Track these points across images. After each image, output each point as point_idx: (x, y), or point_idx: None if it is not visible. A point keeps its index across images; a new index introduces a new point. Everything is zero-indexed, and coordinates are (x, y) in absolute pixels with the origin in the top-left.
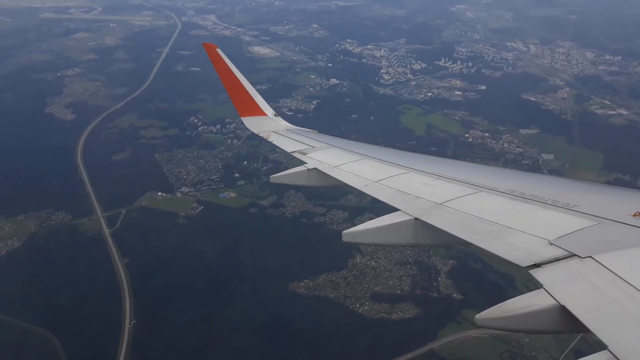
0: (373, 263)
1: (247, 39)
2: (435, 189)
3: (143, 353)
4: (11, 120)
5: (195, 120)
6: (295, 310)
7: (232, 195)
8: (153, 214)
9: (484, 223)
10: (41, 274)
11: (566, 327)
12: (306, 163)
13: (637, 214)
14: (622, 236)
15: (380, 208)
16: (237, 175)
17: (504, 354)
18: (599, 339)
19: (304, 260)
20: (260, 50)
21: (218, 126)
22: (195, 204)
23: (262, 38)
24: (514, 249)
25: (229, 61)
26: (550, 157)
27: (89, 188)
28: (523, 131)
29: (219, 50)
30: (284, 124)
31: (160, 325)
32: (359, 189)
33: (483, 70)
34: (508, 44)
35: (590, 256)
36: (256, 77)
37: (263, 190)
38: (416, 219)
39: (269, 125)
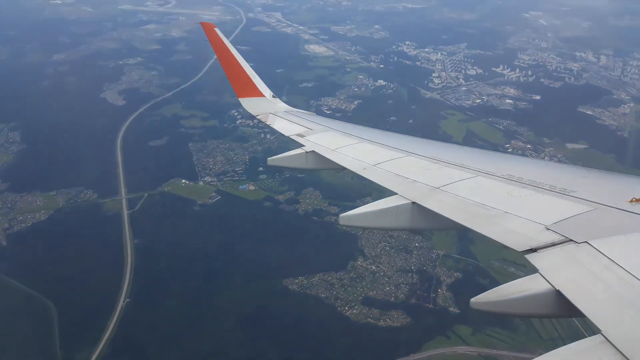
0: (374, 267)
1: (306, 37)
2: (433, 173)
3: (128, 330)
4: (67, 102)
5: (236, 114)
6: (281, 306)
7: (252, 187)
8: (172, 200)
9: (481, 207)
10: (55, 246)
11: (561, 311)
12: (304, 146)
13: (634, 200)
14: (618, 222)
15: None
16: (260, 168)
17: None
18: (593, 326)
19: (304, 258)
20: (315, 48)
21: (255, 120)
22: (214, 193)
23: (321, 37)
24: (510, 233)
25: (227, 41)
26: None
27: (120, 170)
28: (570, 145)
29: (217, 30)
30: (282, 105)
31: (151, 305)
32: (357, 172)
33: (542, 79)
34: (577, 54)
35: (586, 241)
36: (305, 74)
37: (282, 186)
38: (413, 202)
39: (267, 107)
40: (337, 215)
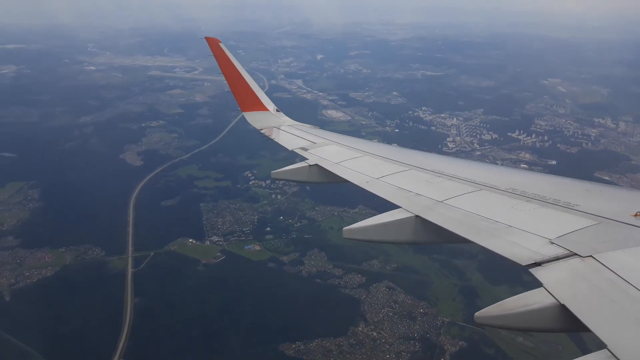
0: (375, 334)
1: (325, 102)
2: (436, 187)
3: None
4: (87, 162)
5: (249, 175)
6: None
7: (257, 248)
8: (177, 259)
9: (484, 221)
10: (57, 303)
11: (565, 325)
12: (307, 159)
13: (639, 214)
14: (623, 236)
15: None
16: (268, 229)
17: None
18: (598, 340)
19: (303, 322)
20: (333, 113)
21: (268, 181)
22: (219, 253)
23: (339, 102)
24: (514, 247)
25: (232, 56)
26: None
27: (130, 229)
28: None
29: (222, 45)
30: (285, 119)
31: None
32: (360, 185)
33: (559, 145)
34: (595, 119)
35: (591, 255)
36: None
37: (288, 246)
38: (417, 216)
39: (271, 121)
40: (341, 277)
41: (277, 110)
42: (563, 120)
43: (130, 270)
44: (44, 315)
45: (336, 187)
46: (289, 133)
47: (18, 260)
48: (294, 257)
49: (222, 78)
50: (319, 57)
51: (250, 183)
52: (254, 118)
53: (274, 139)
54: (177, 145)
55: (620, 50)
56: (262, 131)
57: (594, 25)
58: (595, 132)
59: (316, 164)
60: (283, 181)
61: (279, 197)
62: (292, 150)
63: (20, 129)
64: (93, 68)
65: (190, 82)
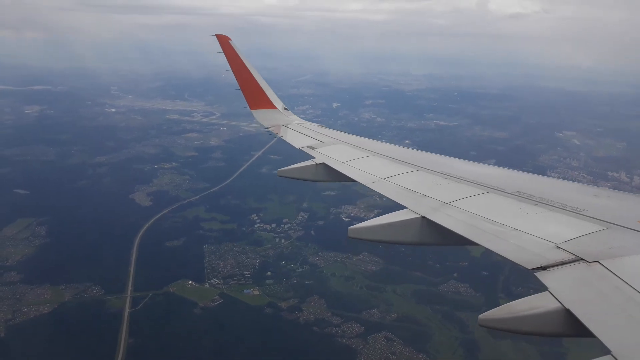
0: None
1: None
2: (443, 188)
3: None
4: (97, 201)
5: (255, 218)
6: None
7: (256, 292)
8: (175, 301)
9: (491, 224)
10: (50, 340)
11: (570, 330)
12: (314, 157)
13: None
14: (630, 242)
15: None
16: (269, 273)
17: None
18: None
19: None
20: None
21: (273, 225)
22: (217, 297)
23: None
24: (520, 250)
25: (242, 54)
26: None
27: (132, 268)
28: None
29: (232, 42)
30: (293, 118)
31: None
32: (367, 185)
33: None
34: (609, 173)
35: (597, 261)
36: (329, 184)
37: (288, 292)
38: (423, 217)
39: (279, 119)
40: (339, 326)
41: (285, 109)
42: (576, 173)
43: (127, 310)
44: (36, 352)
45: (339, 232)
46: (297, 131)
47: (17, 296)
48: (293, 303)
49: (238, 123)
50: (334, 105)
51: (255, 226)
52: (262, 116)
53: (282, 137)
54: (187, 187)
55: (635, 104)
56: (269, 129)
57: (609, 79)
58: (608, 186)
59: (323, 163)
60: (290, 178)
61: (282, 241)
62: (299, 149)
63: (36, 167)
64: (113, 110)
65: (207, 127)
